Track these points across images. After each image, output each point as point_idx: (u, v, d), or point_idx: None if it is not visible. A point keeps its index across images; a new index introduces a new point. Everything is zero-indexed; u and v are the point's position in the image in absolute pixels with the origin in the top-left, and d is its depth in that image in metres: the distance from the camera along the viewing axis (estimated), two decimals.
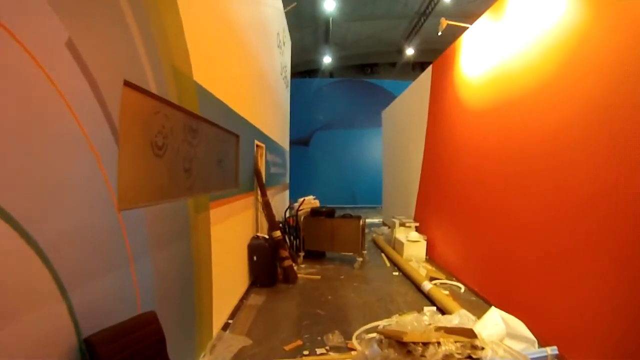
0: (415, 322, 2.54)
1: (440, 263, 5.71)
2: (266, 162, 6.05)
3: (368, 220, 10.83)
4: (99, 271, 1.56)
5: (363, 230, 5.91)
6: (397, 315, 3.22)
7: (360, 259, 5.72)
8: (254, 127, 4.95)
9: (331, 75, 16.18)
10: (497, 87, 4.14)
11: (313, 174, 14.30)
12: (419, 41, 13.37)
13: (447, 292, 4.39)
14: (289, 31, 9.89)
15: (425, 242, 6.06)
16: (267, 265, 4.67)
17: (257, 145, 5.21)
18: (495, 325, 2.36)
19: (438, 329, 2.22)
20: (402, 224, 6.64)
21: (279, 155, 8.11)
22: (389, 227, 8.73)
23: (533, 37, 3.39)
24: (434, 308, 3.72)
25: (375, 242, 7.43)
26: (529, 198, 3.39)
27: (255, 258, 4.58)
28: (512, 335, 2.37)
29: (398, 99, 8.97)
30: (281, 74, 8.47)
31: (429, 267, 5.53)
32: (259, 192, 4.99)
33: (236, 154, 4.01)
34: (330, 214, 6.05)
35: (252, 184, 4.84)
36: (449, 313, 3.34)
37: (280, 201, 8.18)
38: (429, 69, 6.44)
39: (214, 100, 3.22)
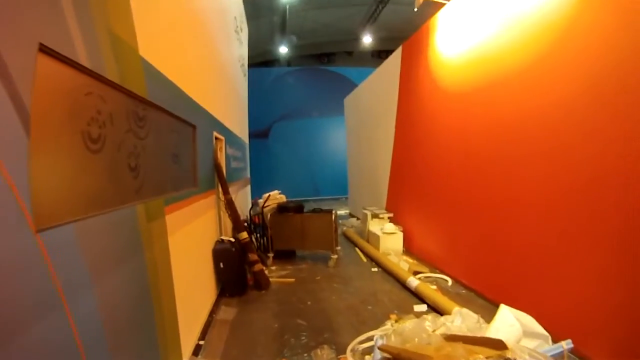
0: (418, 330, 2.25)
1: (420, 255, 5.55)
2: (226, 156, 5.46)
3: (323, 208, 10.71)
4: (8, 333, 1.02)
5: (336, 224, 5.60)
6: (392, 321, 2.92)
7: (335, 257, 5.40)
8: (212, 117, 4.36)
9: (289, 65, 15.58)
10: (481, 66, 3.92)
11: (273, 167, 13.71)
12: (377, 29, 13.25)
13: (434, 287, 4.19)
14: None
15: (401, 234, 5.88)
16: (235, 272, 4.16)
17: (217, 138, 4.63)
18: (510, 326, 2.13)
19: (452, 338, 1.94)
20: (375, 216, 6.40)
21: (239, 148, 7.50)
22: (358, 219, 8.53)
23: (522, 11, 3.20)
24: (425, 306, 3.49)
25: (346, 236, 7.15)
26: (526, 183, 3.19)
27: (222, 265, 4.06)
28: (526, 333, 2.17)
29: (362, 85, 8.69)
30: (239, 62, 7.79)
31: (410, 260, 5.34)
32: (220, 189, 4.43)
33: (193, 148, 3.44)
34: (298, 209, 5.64)
35: (213, 181, 4.27)
36: (444, 311, 3.12)
37: (243, 198, 7.59)
38: (398, 51, 6.18)
39: (166, 82, 2.64)
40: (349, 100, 10.00)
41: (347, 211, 10.48)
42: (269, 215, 5.51)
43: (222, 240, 4.10)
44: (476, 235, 4.11)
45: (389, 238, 5.84)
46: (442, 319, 2.55)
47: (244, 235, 4.32)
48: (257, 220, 6.02)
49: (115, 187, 1.86)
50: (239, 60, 7.82)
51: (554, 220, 2.84)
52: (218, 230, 4.39)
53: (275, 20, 12.98)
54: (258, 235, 5.85)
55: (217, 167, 4.30)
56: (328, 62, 15.96)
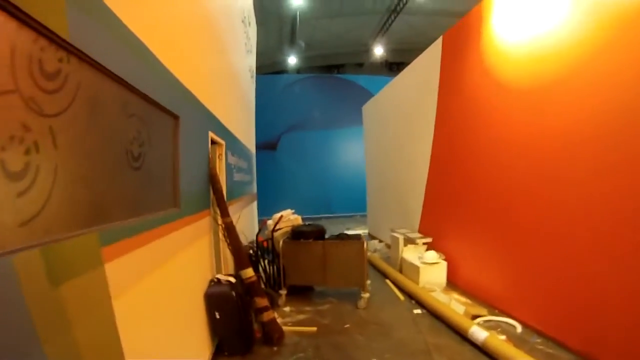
0: None
1: (470, 290, 4.31)
2: (227, 166, 4.35)
3: (351, 232, 9.34)
4: None
5: (366, 255, 4.40)
6: None
7: (366, 295, 4.17)
8: (207, 111, 3.26)
9: (298, 74, 14.74)
10: (559, 55, 2.89)
11: (282, 181, 12.56)
12: (389, 40, 12.69)
13: (503, 337, 3.06)
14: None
15: (445, 264, 4.67)
16: (237, 323, 2.97)
17: (214, 141, 3.52)
18: None
19: None
20: (410, 241, 5.19)
21: (245, 158, 6.40)
22: (381, 241, 7.32)
23: None
24: None
25: (370, 263, 5.93)
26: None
27: (217, 314, 2.88)
28: None
29: (386, 89, 7.63)
30: (246, 58, 6.76)
31: (462, 298, 4.12)
32: (217, 210, 3.28)
33: (174, 149, 2.32)
34: (319, 234, 4.45)
35: (207, 198, 3.13)
36: None
37: (248, 218, 6.43)
38: (437, 43, 5.09)
39: (120, 30, 1.54)
40: (369, 108, 8.94)
41: (366, 231, 9.25)
42: (280, 242, 4.34)
43: (219, 280, 2.93)
44: (556, 267, 3.02)
45: (430, 269, 4.63)
46: None
47: (249, 273, 3.14)
48: (265, 244, 4.87)
49: None
50: (246, 62, 6.80)
51: None
52: (213, 265, 3.22)
53: (284, 30, 12.48)
54: (266, 262, 4.67)
55: (213, 179, 3.18)
56: (338, 73, 15.16)
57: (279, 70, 14.62)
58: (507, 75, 3.66)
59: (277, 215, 4.92)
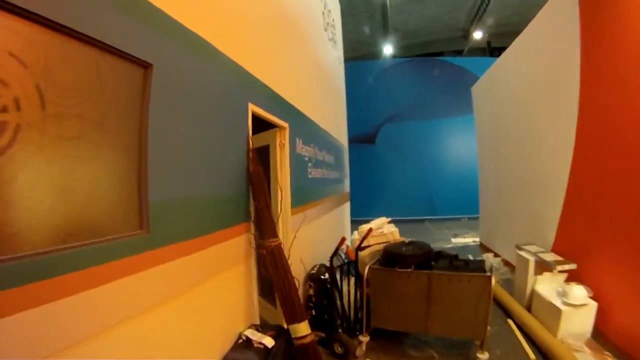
0: None
1: (634, 349, 2.32)
2: (297, 157, 3.26)
3: (458, 241, 7.48)
4: None
5: (492, 295, 2.80)
6: None
7: (485, 357, 2.56)
8: (241, 70, 2.15)
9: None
10: None
11: (379, 178, 11.04)
12: (486, 23, 11.32)
13: None
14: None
15: (594, 305, 2.77)
16: None
17: (266, 121, 2.42)
18: None
19: None
20: (545, 266, 3.33)
21: (331, 150, 5.28)
22: (497, 256, 5.47)
23: None
24: None
25: None
26: None
27: None
28: None
29: (499, 62, 5.66)
30: (328, 44, 5.59)
31: None
32: (253, 227, 2.16)
33: (141, 121, 1.26)
34: (425, 261, 2.99)
35: (235, 207, 2.02)
36: None
37: (335, 224, 5.30)
38: None
39: None
40: (480, 88, 6.91)
41: (476, 239, 7.33)
42: (367, 267, 3.04)
43: (248, 340, 1.81)
44: None
45: (575, 314, 2.84)
46: None
47: (303, 330, 1.94)
48: (352, 256, 3.61)
49: None
50: (328, 46, 5.61)
51: None
52: (252, 307, 2.13)
53: (375, 18, 11.49)
54: (347, 284, 3.40)
55: (253, 178, 2.07)
56: None
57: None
58: None
59: (365, 227, 3.60)
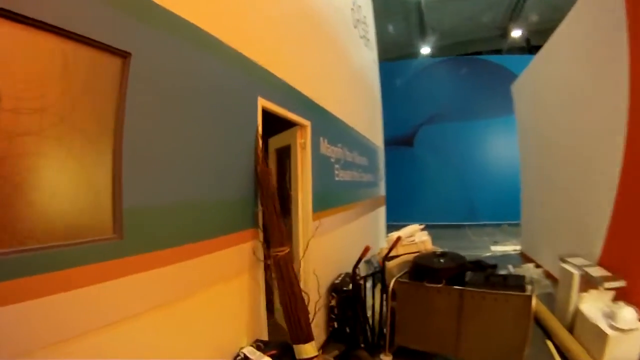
0: None
1: None
2: (321, 159, 3.08)
3: (498, 248, 6.93)
4: None
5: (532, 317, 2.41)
6: None
7: None
8: (248, 61, 1.98)
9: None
10: None
11: (417, 182, 10.62)
12: (525, 21, 10.91)
13: None
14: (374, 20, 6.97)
15: None
16: None
17: (270, 112, 2.26)
18: None
19: None
20: (590, 282, 2.84)
21: (364, 152, 5.03)
22: (538, 266, 4.89)
23: None
24: None
25: None
26: None
27: None
28: None
29: (540, 55, 5.17)
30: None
31: None
32: (261, 233, 2.00)
33: (117, 109, 1.15)
34: (456, 274, 2.65)
35: (239, 211, 1.86)
36: None
37: (365, 228, 5.03)
38: None
39: None
40: (521, 85, 6.39)
41: (517, 247, 6.72)
42: (394, 279, 2.77)
43: (246, 359, 1.64)
44: None
45: (624, 340, 2.39)
46: None
47: (308, 351, 1.73)
48: (381, 264, 3.34)
49: None
50: (360, 46, 5.34)
51: None
52: (259, 320, 1.97)
53: (411, 18, 11.27)
54: (377, 289, 3.13)
55: (261, 178, 1.92)
56: None
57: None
58: None
59: (394, 235, 3.32)
